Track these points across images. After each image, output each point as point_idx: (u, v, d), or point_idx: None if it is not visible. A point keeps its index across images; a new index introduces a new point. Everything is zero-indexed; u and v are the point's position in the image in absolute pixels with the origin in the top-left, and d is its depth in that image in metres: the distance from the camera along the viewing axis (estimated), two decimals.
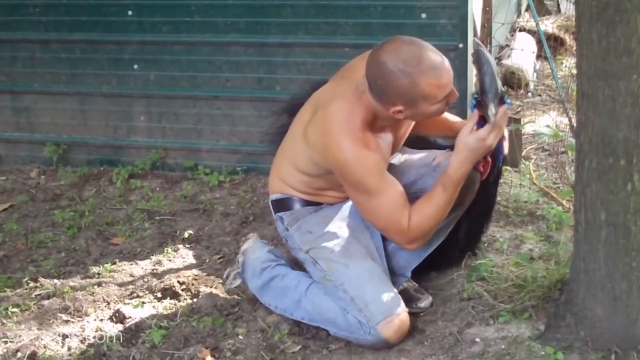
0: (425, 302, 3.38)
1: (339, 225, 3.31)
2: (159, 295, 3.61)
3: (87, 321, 3.41)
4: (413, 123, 3.35)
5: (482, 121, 3.07)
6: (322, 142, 3.11)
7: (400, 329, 3.12)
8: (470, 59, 4.32)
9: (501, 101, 3.05)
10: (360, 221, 3.30)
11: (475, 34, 4.36)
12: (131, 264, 3.97)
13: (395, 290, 3.22)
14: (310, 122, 3.17)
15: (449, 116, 3.53)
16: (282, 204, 3.39)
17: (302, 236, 3.32)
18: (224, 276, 3.63)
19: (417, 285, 3.45)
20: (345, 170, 3.10)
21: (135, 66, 4.88)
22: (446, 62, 3.02)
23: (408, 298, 3.33)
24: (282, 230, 3.41)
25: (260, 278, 3.43)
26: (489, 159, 3.23)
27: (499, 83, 3.05)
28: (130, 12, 4.78)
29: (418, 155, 3.44)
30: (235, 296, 3.55)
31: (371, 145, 3.10)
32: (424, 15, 4.30)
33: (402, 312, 3.14)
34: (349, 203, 3.32)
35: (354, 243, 3.26)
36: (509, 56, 5.94)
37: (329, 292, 3.22)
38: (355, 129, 3.08)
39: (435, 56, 3.00)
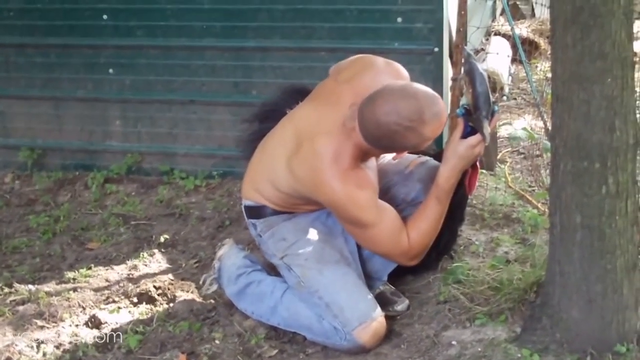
0: (401, 305, 3.39)
1: (313, 231, 3.31)
2: (135, 300, 3.60)
3: (63, 327, 3.39)
4: None
5: (469, 129, 3.09)
6: (312, 181, 3.12)
7: (376, 334, 3.13)
8: (446, 62, 4.34)
9: (492, 112, 3.08)
10: (333, 226, 3.30)
11: (450, 38, 4.38)
12: (107, 269, 3.95)
13: (371, 294, 3.22)
14: (296, 156, 3.15)
15: None
16: (255, 212, 3.38)
17: (276, 243, 3.32)
18: (201, 282, 3.62)
19: (393, 288, 3.45)
20: (339, 209, 3.12)
21: (111, 70, 4.86)
22: (438, 98, 3.05)
23: (384, 301, 3.33)
24: (256, 235, 3.41)
25: (236, 284, 3.42)
26: (477, 174, 3.27)
27: (491, 97, 3.08)
28: (105, 17, 4.76)
29: (391, 161, 3.44)
30: (212, 301, 3.54)
31: (362, 182, 3.11)
32: (399, 20, 4.31)
33: (377, 317, 3.14)
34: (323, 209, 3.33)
35: (328, 249, 3.26)
36: (484, 60, 5.95)
37: (304, 299, 3.21)
38: (345, 168, 3.08)
39: (431, 100, 3.02)
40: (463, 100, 3.17)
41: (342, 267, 3.23)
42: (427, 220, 3.19)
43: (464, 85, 3.12)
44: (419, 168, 3.35)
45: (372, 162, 3.24)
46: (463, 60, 3.06)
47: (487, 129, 3.04)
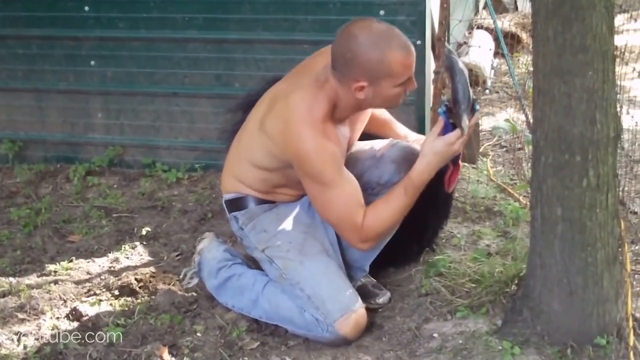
0: (383, 297, 3.39)
1: (294, 222, 3.30)
2: (116, 292, 3.59)
3: (44, 319, 3.38)
4: (367, 118, 3.36)
5: (450, 127, 3.09)
6: (282, 132, 3.10)
7: (358, 325, 3.13)
8: (428, 55, 4.35)
9: (472, 109, 3.07)
10: (315, 217, 3.29)
11: (433, 31, 4.38)
12: (88, 262, 3.93)
13: (352, 286, 3.22)
14: (269, 114, 3.16)
15: (398, 125, 3.59)
16: (236, 204, 3.37)
17: (257, 235, 3.31)
18: (181, 276, 3.61)
19: (375, 281, 3.45)
20: (304, 160, 3.08)
21: (93, 62, 4.84)
22: (412, 47, 3.07)
23: (366, 294, 3.34)
24: (237, 229, 3.40)
25: (217, 278, 3.41)
26: (458, 172, 3.25)
27: (471, 92, 3.07)
28: (87, 8, 4.74)
29: (363, 148, 3.44)
30: (194, 293, 3.53)
31: (331, 136, 3.10)
32: (382, 12, 4.31)
33: (359, 309, 3.14)
34: (304, 200, 3.32)
35: (310, 239, 3.26)
36: (466, 53, 5.97)
37: (285, 291, 3.21)
38: (316, 119, 3.07)
39: (405, 38, 3.06)
40: (444, 98, 3.16)
41: (324, 258, 3.23)
42: (389, 207, 3.16)
43: (446, 79, 3.12)
44: (389, 149, 3.35)
45: (345, 130, 3.21)
46: (444, 57, 3.06)
47: (466, 122, 3.03)
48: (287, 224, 3.29)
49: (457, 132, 3.06)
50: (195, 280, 3.53)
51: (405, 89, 3.10)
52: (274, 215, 3.33)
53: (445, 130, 3.10)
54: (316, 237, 3.27)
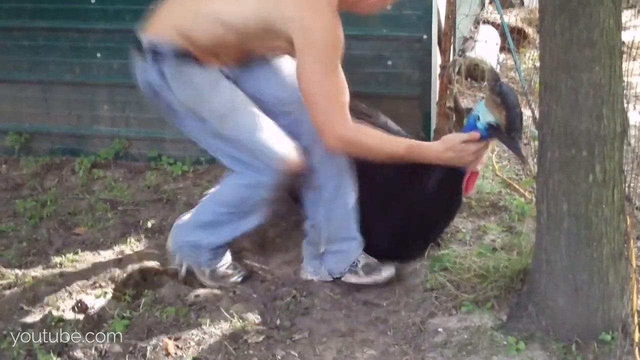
0: (388, 272, 3.46)
1: (230, 87, 3.33)
2: (122, 285, 3.59)
3: (49, 311, 3.38)
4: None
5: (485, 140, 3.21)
6: (298, 3, 3.11)
7: (297, 164, 3.29)
8: (434, 49, 4.34)
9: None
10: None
11: (439, 26, 4.37)
12: (93, 254, 3.94)
13: (285, 136, 3.30)
14: None
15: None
16: (168, 55, 3.29)
17: (189, 92, 3.30)
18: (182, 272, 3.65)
19: (376, 260, 3.51)
20: (317, 35, 3.10)
21: (99, 54, 4.84)
22: None
23: (370, 270, 3.45)
24: (158, 84, 3.32)
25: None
26: (476, 177, 3.35)
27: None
28: (93, 0, 4.74)
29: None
30: (199, 286, 3.54)
31: (340, 24, 3.14)
32: (388, 6, 4.29)
33: (295, 153, 3.28)
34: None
35: (242, 96, 3.32)
36: (472, 48, 5.97)
37: (224, 147, 3.34)
38: (332, 2, 3.12)
39: None
40: (481, 114, 3.20)
41: (257, 111, 3.31)
42: (380, 141, 3.23)
43: (490, 95, 3.13)
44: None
45: None
46: (492, 82, 3.09)
47: (524, 150, 3.11)
48: (223, 87, 3.31)
49: (481, 144, 3.16)
50: (183, 268, 3.59)
51: None
52: (207, 73, 3.30)
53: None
54: (250, 103, 3.33)
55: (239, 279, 3.57)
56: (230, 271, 3.58)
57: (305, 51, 3.12)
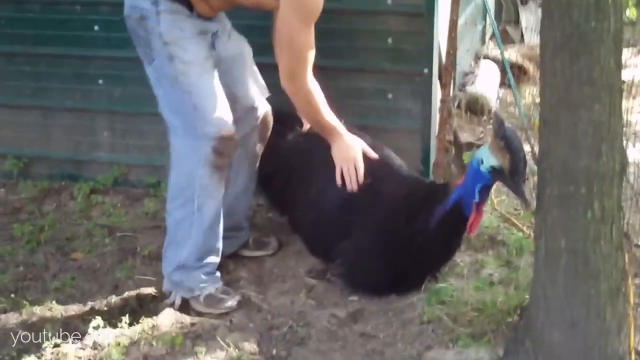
0: (273, 245, 4.05)
1: (206, 46, 3.57)
2: (118, 312, 3.58)
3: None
4: None
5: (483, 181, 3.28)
6: None
7: (231, 141, 3.51)
8: (435, 84, 4.36)
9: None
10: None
11: (440, 60, 4.40)
12: (90, 280, 3.93)
13: (229, 110, 3.53)
14: None
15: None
16: None
17: (171, 29, 3.47)
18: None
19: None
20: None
21: (101, 81, 4.85)
22: None
23: (259, 246, 4.03)
24: (149, 5, 3.47)
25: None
26: (480, 217, 3.37)
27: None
28: (96, 27, 4.76)
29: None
30: (195, 315, 3.53)
31: None
32: (390, 40, 4.33)
33: (232, 129, 3.51)
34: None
35: (210, 62, 3.55)
36: (472, 83, 5.99)
37: (169, 94, 3.54)
38: None
39: None
40: (480, 152, 3.25)
41: (218, 82, 3.54)
42: (322, 106, 3.55)
43: (495, 138, 3.17)
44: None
45: None
46: (497, 125, 3.13)
47: (527, 197, 3.18)
48: (202, 41, 3.55)
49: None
50: (178, 299, 3.63)
51: None
52: (195, 25, 3.53)
53: (474, 178, 3.26)
54: (215, 71, 3.57)
55: (234, 304, 3.58)
56: (224, 296, 3.59)
57: (288, 6, 3.39)
